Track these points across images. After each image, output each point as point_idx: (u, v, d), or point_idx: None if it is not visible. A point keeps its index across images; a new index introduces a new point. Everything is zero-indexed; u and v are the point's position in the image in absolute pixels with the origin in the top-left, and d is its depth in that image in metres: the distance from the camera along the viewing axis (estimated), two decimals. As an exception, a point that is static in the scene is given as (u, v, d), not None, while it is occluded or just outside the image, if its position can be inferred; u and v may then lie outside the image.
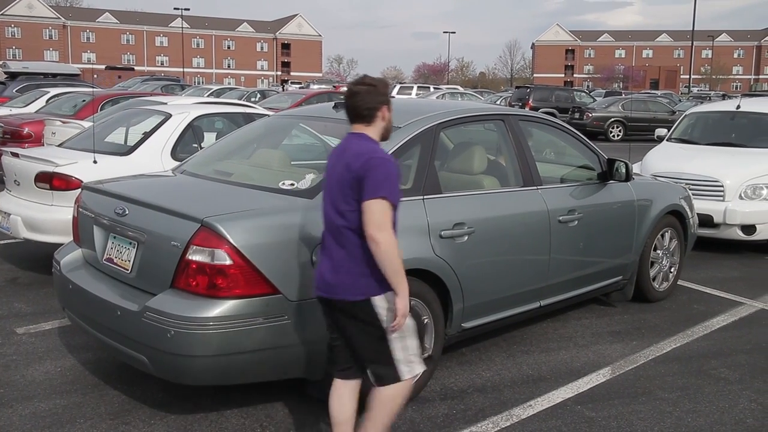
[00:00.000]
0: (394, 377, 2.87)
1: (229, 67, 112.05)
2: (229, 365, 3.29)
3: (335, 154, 2.91)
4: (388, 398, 2.89)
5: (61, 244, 4.39)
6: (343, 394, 3.00)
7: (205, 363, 3.23)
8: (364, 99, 2.84)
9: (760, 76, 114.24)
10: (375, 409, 2.91)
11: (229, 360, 3.26)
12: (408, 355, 2.88)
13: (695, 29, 51.15)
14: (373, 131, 2.89)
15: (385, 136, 2.95)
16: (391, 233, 2.73)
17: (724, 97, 36.15)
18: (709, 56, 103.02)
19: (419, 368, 2.93)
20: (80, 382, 4.02)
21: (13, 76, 20.85)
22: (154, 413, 3.66)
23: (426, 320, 3.83)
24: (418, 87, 32.97)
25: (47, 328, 4.85)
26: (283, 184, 3.79)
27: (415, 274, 3.73)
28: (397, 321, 2.78)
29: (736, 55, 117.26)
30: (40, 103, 13.37)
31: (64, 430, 3.47)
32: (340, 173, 2.78)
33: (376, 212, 2.68)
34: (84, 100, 10.82)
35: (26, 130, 9.82)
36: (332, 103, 4.79)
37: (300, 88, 41.23)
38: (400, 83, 40.67)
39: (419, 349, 2.97)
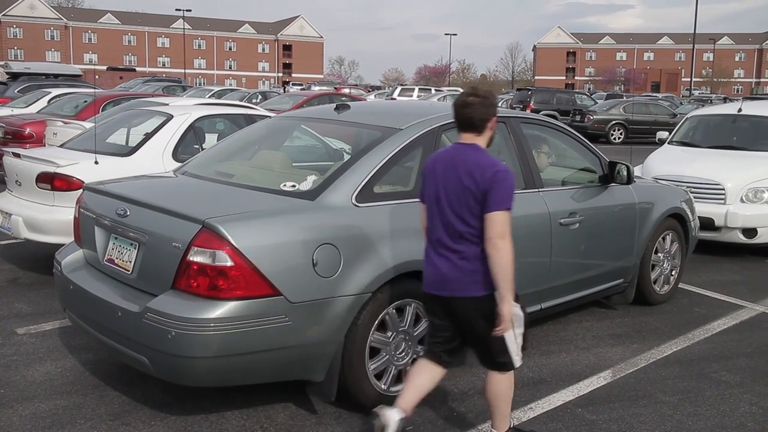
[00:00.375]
0: (508, 366, 3.13)
1: (230, 68, 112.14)
2: (230, 367, 3.28)
3: (445, 161, 3.09)
4: (505, 390, 3.18)
5: (62, 245, 4.39)
6: (433, 370, 3.22)
7: (206, 364, 3.23)
8: (478, 110, 3.03)
9: (762, 79, 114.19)
10: (497, 402, 3.20)
11: (229, 361, 3.26)
12: (518, 347, 3.12)
13: (697, 32, 51.13)
14: (482, 141, 3.10)
15: (489, 145, 3.14)
16: (511, 241, 2.97)
17: (725, 100, 36.16)
18: (711, 59, 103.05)
19: (520, 361, 3.16)
20: (80, 382, 4.01)
21: (14, 76, 20.86)
22: (155, 414, 3.65)
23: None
24: (419, 89, 33.00)
25: (48, 329, 4.85)
26: (285, 185, 3.79)
27: (416, 276, 3.72)
28: (503, 325, 2.97)
29: (737, 58, 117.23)
30: (42, 103, 13.38)
31: (64, 430, 3.47)
32: (463, 183, 2.99)
33: (502, 222, 2.93)
34: (85, 101, 10.83)
35: (28, 130, 9.83)
36: (334, 105, 4.79)
37: (301, 89, 41.30)
38: (402, 85, 40.69)
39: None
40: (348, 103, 4.89)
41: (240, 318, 3.19)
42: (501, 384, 3.18)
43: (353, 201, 3.64)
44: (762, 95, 46.26)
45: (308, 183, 3.79)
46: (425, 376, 3.21)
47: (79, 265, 3.99)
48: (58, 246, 4.63)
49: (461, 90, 33.42)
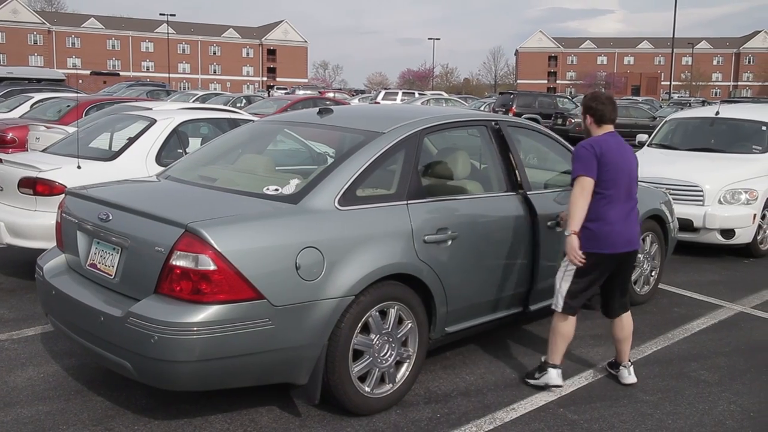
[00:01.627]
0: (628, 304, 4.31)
1: (214, 72, 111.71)
2: (213, 371, 3.29)
3: (618, 145, 4.05)
4: (631, 322, 4.30)
5: (45, 250, 4.37)
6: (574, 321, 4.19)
7: (189, 368, 3.23)
8: (616, 108, 4.13)
9: (739, 83, 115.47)
10: (630, 336, 4.30)
11: (213, 365, 3.26)
12: None
13: (675, 36, 51.61)
14: None
15: None
16: None
17: (703, 103, 36.47)
18: (689, 63, 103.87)
19: None
20: (63, 388, 4.00)
21: (-4, 81, 20.68)
22: (138, 419, 3.65)
23: (410, 324, 3.86)
24: (403, 93, 33.05)
25: (30, 334, 4.82)
26: (268, 189, 3.80)
27: (398, 278, 3.75)
28: None
29: (715, 62, 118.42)
30: (25, 108, 13.29)
31: (47, 436, 3.46)
32: (634, 162, 4.10)
33: None
34: (68, 106, 10.77)
35: (10, 135, 9.76)
36: (317, 109, 4.80)
37: (286, 93, 41.23)
38: (385, 89, 40.73)
39: None
40: (331, 107, 4.91)
41: (223, 322, 3.20)
42: (631, 322, 4.27)
43: (336, 204, 3.66)
44: (739, 98, 46.80)
45: (291, 186, 3.80)
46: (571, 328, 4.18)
47: (62, 270, 3.97)
48: (41, 251, 4.61)
49: (444, 94, 33.29)
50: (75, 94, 12.72)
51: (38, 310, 5.07)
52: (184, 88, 66.39)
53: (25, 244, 5.74)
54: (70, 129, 7.70)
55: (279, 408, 3.80)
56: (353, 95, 43.53)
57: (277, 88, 60.39)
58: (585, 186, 3.93)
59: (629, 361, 4.31)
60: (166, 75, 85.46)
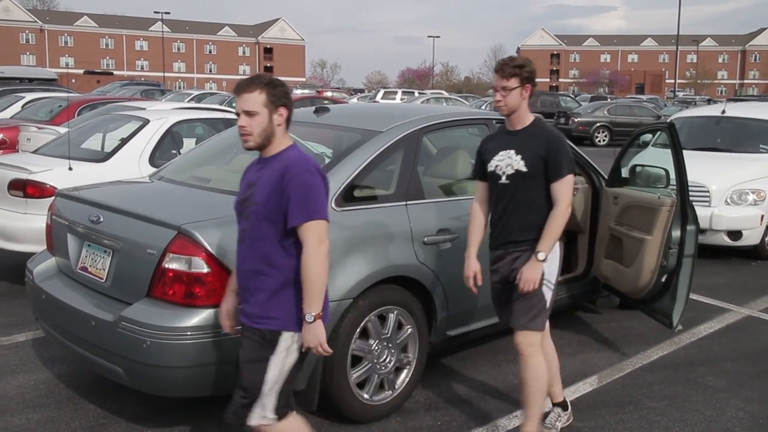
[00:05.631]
0: None
1: (210, 71, 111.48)
2: (208, 376, 3.20)
3: None
4: None
5: (35, 253, 4.27)
6: None
7: (183, 374, 3.15)
8: None
9: (745, 81, 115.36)
10: None
11: (207, 371, 3.17)
12: None
13: (680, 34, 51.56)
14: None
15: None
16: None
17: (709, 101, 36.39)
18: (694, 61, 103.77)
19: None
20: (54, 395, 3.90)
21: (-12, 80, 20.54)
22: (131, 427, 3.56)
23: (410, 329, 3.76)
24: (402, 92, 32.98)
25: (21, 340, 4.72)
26: (263, 190, 3.69)
27: (398, 281, 3.66)
28: None
29: (720, 60, 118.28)
30: (16, 108, 13.13)
31: (35, 446, 3.36)
32: None
33: None
34: (60, 106, 10.64)
35: (1, 136, 9.63)
36: (313, 108, 4.71)
37: (283, 92, 41.00)
38: (385, 88, 40.68)
39: None
40: (328, 106, 4.81)
41: (217, 326, 3.09)
42: None
43: (332, 205, 3.55)
44: (745, 97, 46.79)
45: (286, 187, 3.68)
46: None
47: (52, 273, 3.87)
48: (31, 254, 4.50)
49: (445, 92, 33.20)
50: (66, 94, 12.60)
51: (29, 315, 4.93)
52: (180, 88, 66.24)
53: (15, 248, 5.63)
54: (62, 130, 7.58)
55: (275, 416, 3.69)
56: (352, 94, 43.48)
57: (275, 88, 60.18)
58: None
59: None
60: (161, 74, 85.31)
